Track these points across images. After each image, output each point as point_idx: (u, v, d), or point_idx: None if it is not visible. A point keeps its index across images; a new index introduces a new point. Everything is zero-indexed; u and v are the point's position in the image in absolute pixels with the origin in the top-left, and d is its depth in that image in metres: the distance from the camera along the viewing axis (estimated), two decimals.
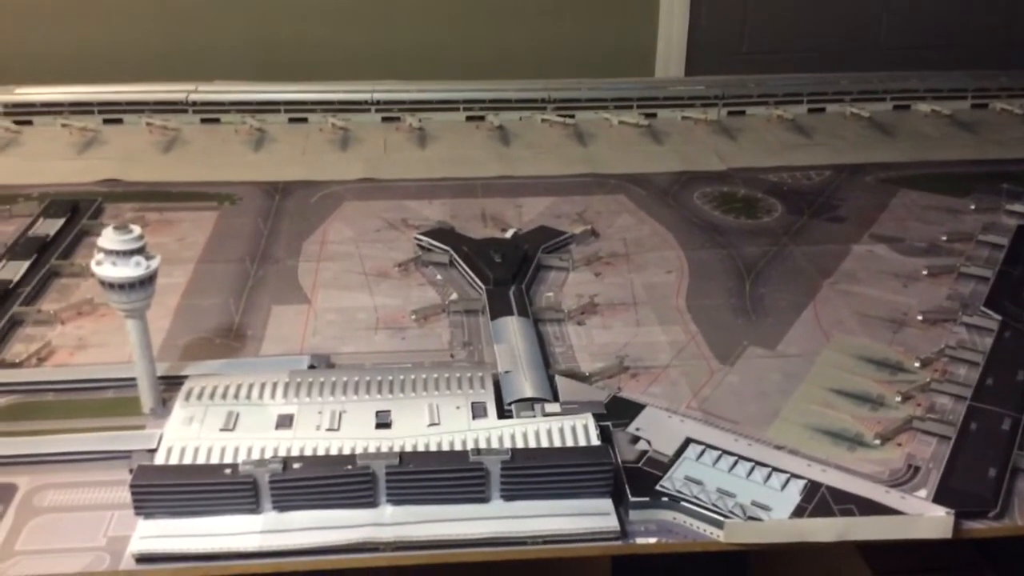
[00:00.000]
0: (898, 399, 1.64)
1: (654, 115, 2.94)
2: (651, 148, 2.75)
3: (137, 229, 1.46)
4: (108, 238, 1.44)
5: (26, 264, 1.97)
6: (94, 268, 1.45)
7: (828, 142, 2.80)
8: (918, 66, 3.26)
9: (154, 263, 1.47)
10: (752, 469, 1.43)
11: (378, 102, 2.91)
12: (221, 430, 1.45)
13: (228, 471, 1.33)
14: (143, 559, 1.28)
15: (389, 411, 1.51)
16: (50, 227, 2.13)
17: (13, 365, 1.68)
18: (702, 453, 1.46)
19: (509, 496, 1.37)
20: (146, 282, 1.46)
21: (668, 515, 1.37)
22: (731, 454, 1.46)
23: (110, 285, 1.45)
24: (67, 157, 2.61)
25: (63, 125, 2.75)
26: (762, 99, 3.01)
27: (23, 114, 2.80)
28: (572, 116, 2.90)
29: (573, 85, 3.02)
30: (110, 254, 1.44)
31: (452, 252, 2.09)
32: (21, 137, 2.72)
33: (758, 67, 3.40)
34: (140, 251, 1.45)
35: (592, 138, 2.81)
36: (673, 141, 2.80)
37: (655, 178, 2.54)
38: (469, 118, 2.92)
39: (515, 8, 3.47)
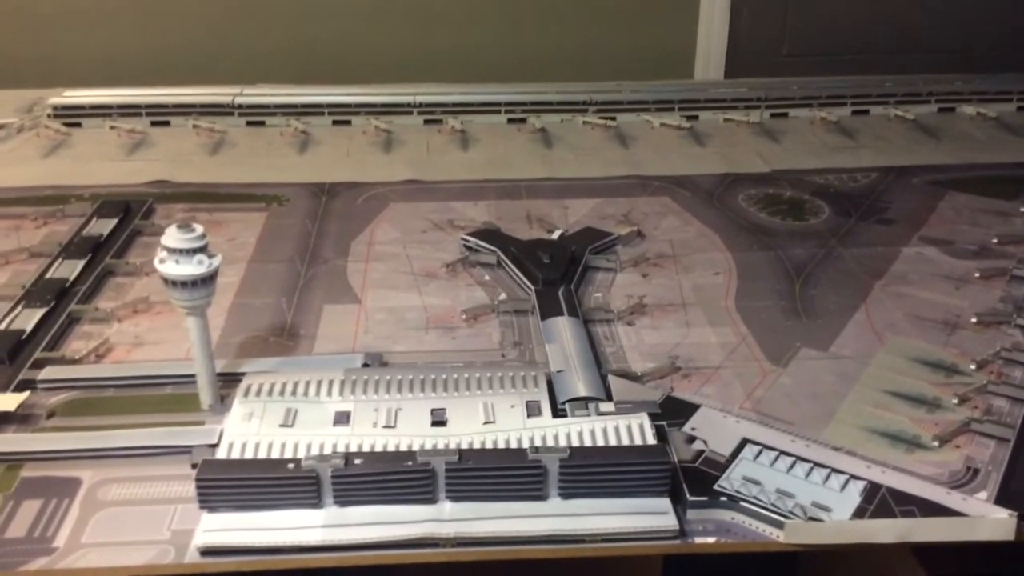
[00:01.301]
0: (954, 401, 1.63)
1: (696, 117, 2.94)
2: (693, 150, 2.75)
3: (199, 228, 1.48)
4: (171, 236, 1.46)
5: (81, 263, 2.00)
6: (157, 266, 1.47)
7: (873, 144, 2.79)
8: (962, 68, 3.23)
9: (216, 261, 1.49)
10: (811, 470, 1.42)
11: (420, 104, 2.93)
12: (280, 426, 1.46)
13: (291, 466, 1.35)
14: (208, 552, 1.29)
15: (444, 409, 1.52)
16: (103, 227, 2.16)
17: (73, 362, 1.70)
18: (759, 454, 1.46)
19: (567, 494, 1.37)
20: (208, 280, 1.49)
21: (726, 515, 1.37)
22: (789, 455, 1.45)
23: (173, 283, 1.47)
24: (116, 158, 2.65)
25: (111, 127, 2.80)
26: (805, 101, 3.00)
27: (72, 116, 2.85)
28: (613, 118, 2.91)
29: (614, 88, 3.03)
30: (173, 252, 1.46)
31: (499, 253, 2.10)
32: (71, 139, 2.77)
33: (798, 69, 3.40)
34: (202, 249, 1.47)
35: (634, 140, 2.81)
36: (715, 143, 2.80)
37: (699, 180, 2.53)
38: (511, 120, 2.94)
39: (555, 11, 3.49)
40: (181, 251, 1.46)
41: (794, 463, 1.44)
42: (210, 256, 1.49)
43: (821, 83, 3.08)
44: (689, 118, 2.90)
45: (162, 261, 1.47)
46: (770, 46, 3.68)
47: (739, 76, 3.51)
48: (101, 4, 3.34)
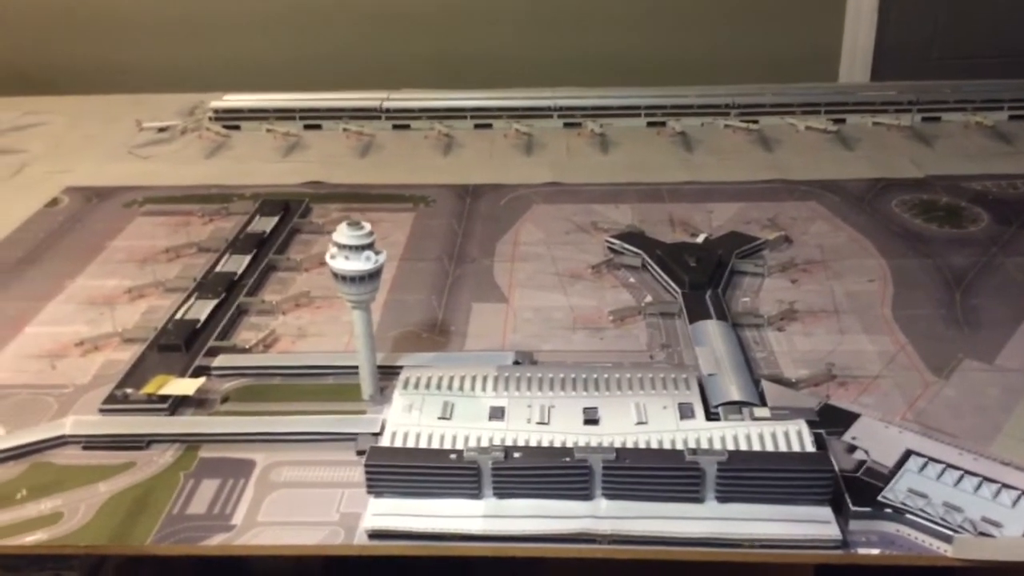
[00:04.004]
0: None
1: (843, 120, 2.86)
2: (841, 154, 2.69)
3: (368, 226, 1.54)
4: (342, 233, 1.53)
5: (247, 258, 2.11)
6: (328, 261, 1.54)
7: None
8: None
9: (381, 258, 1.55)
10: (980, 484, 1.37)
11: (560, 108, 2.96)
12: (439, 418, 1.51)
13: (453, 456, 1.39)
14: (375, 535, 1.35)
15: (596, 408, 1.54)
16: (265, 224, 2.27)
17: (243, 351, 1.80)
18: (924, 466, 1.41)
19: (724, 498, 1.37)
20: (374, 275, 1.55)
21: (891, 527, 1.34)
22: (956, 468, 1.40)
23: (342, 278, 1.54)
24: (273, 160, 2.78)
25: (268, 130, 2.94)
26: (959, 105, 2.89)
27: (232, 119, 3.01)
28: (756, 121, 2.87)
29: (756, 90, 2.99)
30: (343, 248, 1.53)
31: (644, 255, 2.10)
32: (230, 141, 2.92)
33: (949, 72, 3.27)
34: (370, 246, 1.54)
35: (778, 144, 2.77)
36: (864, 147, 2.72)
37: (848, 185, 2.47)
38: (650, 124, 2.94)
39: (695, 14, 3.46)
40: (351, 247, 1.52)
41: (962, 476, 1.39)
42: (376, 252, 1.55)
43: (975, 86, 2.96)
44: (836, 121, 2.83)
45: (332, 257, 1.54)
46: (920, 48, 3.55)
47: (886, 79, 3.40)
48: (258, 14, 3.52)
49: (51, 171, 2.71)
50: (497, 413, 1.53)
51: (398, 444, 1.45)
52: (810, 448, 1.40)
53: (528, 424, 1.50)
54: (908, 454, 1.44)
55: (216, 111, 3.02)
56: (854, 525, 1.34)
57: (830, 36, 3.47)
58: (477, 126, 2.96)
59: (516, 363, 1.72)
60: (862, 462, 1.43)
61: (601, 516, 1.36)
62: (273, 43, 3.51)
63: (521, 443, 1.44)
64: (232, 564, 1.89)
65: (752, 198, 2.42)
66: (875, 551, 1.32)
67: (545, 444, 1.45)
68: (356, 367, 1.65)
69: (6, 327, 1.91)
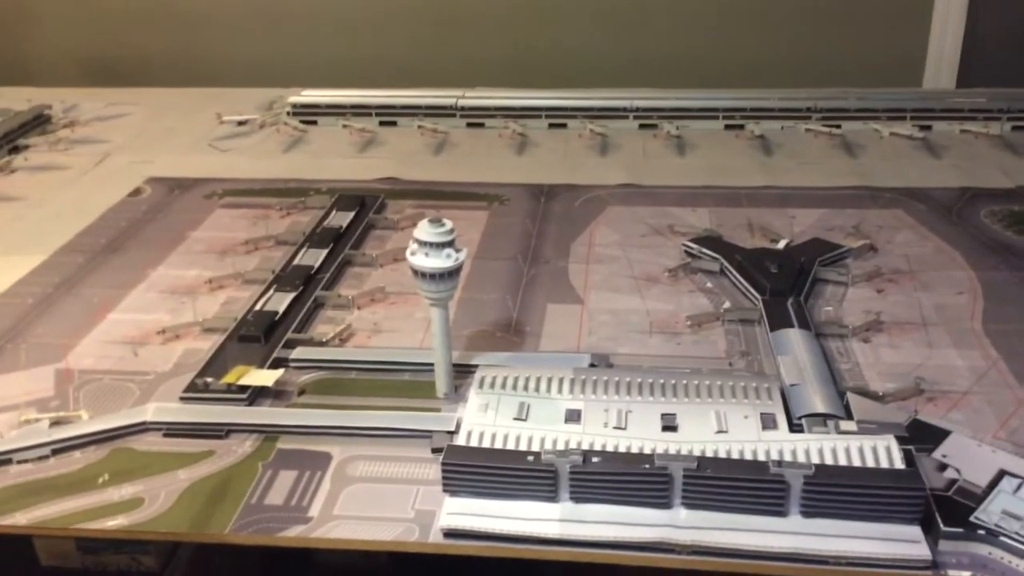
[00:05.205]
0: None
1: (929, 127, 2.78)
2: (928, 162, 2.61)
3: (449, 223, 1.54)
4: (423, 230, 1.52)
5: (324, 252, 2.12)
6: (408, 257, 1.54)
7: None
8: None
9: (462, 255, 1.55)
10: None
11: (636, 109, 2.93)
12: (514, 419, 1.50)
13: (530, 458, 1.37)
14: (451, 534, 1.34)
15: (675, 414, 1.51)
16: (342, 219, 2.29)
17: (320, 344, 1.81)
18: (1019, 487, 1.36)
19: (809, 512, 1.33)
20: (454, 273, 1.54)
21: (983, 549, 1.28)
22: None
23: (422, 274, 1.53)
24: (349, 155, 2.80)
25: (344, 126, 2.96)
26: None
27: (309, 114, 3.04)
28: (838, 126, 2.80)
29: (839, 95, 2.92)
30: (424, 245, 1.52)
31: (723, 260, 2.07)
32: (307, 136, 2.95)
33: None
34: (451, 244, 1.53)
35: (861, 149, 2.70)
36: (952, 155, 2.64)
37: (935, 193, 2.40)
38: (728, 127, 2.89)
39: (777, 15, 3.40)
40: (432, 244, 1.52)
41: None
42: (457, 250, 1.54)
43: None
44: (922, 128, 2.75)
45: (413, 253, 1.54)
46: (1010, 54, 3.42)
47: (973, 85, 3.29)
48: (337, 11, 3.55)
49: (133, 161, 2.78)
50: (573, 416, 1.51)
51: (473, 443, 1.44)
52: (900, 465, 1.35)
53: (605, 428, 1.48)
54: (1002, 474, 1.38)
55: (294, 106, 3.05)
56: (944, 546, 1.29)
57: (915, 40, 3.37)
58: (551, 126, 2.95)
59: (592, 366, 1.70)
60: (953, 481, 1.38)
61: (680, 526, 1.33)
62: (351, 40, 3.55)
63: (597, 447, 1.42)
64: (301, 555, 1.91)
65: (835, 205, 2.36)
66: (966, 574, 1.27)
67: (622, 449, 1.42)
68: (431, 364, 1.65)
69: (90, 313, 1.95)
